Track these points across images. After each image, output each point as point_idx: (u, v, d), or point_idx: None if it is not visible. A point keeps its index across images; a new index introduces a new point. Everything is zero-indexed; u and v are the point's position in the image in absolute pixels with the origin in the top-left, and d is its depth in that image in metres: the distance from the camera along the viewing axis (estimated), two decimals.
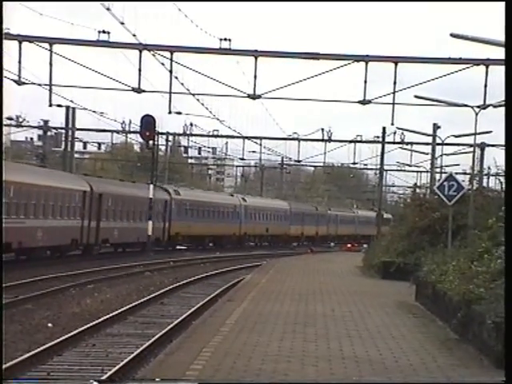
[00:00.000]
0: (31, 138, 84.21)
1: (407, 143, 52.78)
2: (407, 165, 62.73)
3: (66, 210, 36.20)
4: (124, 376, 11.95)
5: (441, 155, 49.26)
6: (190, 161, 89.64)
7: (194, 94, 33.38)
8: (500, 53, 25.85)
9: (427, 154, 49.38)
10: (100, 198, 39.66)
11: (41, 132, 58.16)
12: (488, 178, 54.78)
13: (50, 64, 29.63)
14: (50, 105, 31.40)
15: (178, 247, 53.80)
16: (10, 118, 51.95)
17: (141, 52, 29.69)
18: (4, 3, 8.30)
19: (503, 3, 8.59)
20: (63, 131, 52.92)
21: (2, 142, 31.34)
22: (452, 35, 22.59)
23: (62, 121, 51.80)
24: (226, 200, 58.59)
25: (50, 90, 30.65)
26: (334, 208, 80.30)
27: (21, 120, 51.75)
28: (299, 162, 59.94)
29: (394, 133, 50.43)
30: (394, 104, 30.59)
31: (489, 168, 53.18)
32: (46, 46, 29.51)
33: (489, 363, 11.80)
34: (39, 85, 31.44)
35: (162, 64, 30.07)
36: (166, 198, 48.73)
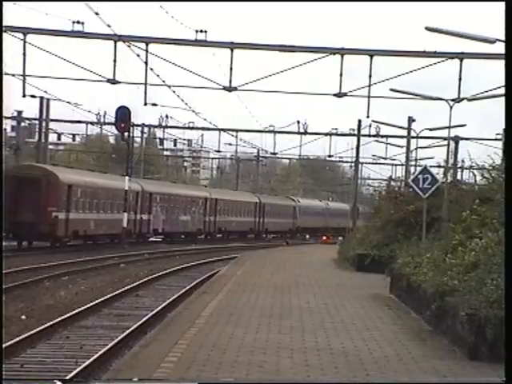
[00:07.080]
0: (4, 129, 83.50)
1: (382, 136, 52.96)
2: (382, 158, 63.04)
3: (247, 212, 68.29)
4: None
5: (416, 148, 49.51)
6: (165, 153, 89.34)
7: (169, 86, 33.28)
8: (474, 47, 26.00)
9: (402, 146, 49.60)
10: (264, 206, 70.59)
11: (14, 123, 57.72)
12: (462, 171, 55.15)
13: (24, 54, 29.39)
14: (24, 95, 31.17)
15: (152, 239, 53.88)
16: None
17: (116, 43, 29.50)
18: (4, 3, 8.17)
19: (501, 3, 8.59)
20: (37, 122, 52.57)
21: (2, 141, 31.19)
22: (427, 29, 22.66)
23: (36, 111, 51.47)
24: (319, 204, 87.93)
25: (24, 81, 30.41)
26: None
27: None
28: (275, 154, 59.96)
29: (370, 126, 50.62)
30: (369, 97, 30.67)
31: (463, 161, 53.55)
32: (20, 35, 29.25)
33: (462, 354, 11.89)
34: (13, 75, 31.17)
35: (138, 55, 29.92)
36: (293, 204, 79.60)
